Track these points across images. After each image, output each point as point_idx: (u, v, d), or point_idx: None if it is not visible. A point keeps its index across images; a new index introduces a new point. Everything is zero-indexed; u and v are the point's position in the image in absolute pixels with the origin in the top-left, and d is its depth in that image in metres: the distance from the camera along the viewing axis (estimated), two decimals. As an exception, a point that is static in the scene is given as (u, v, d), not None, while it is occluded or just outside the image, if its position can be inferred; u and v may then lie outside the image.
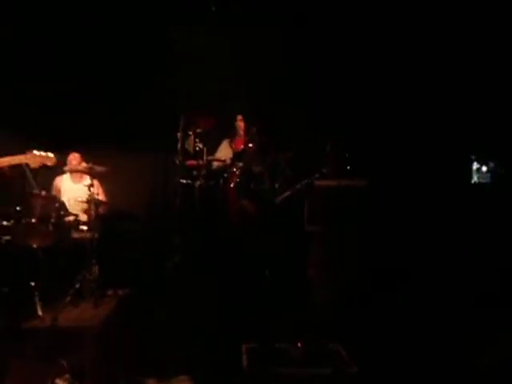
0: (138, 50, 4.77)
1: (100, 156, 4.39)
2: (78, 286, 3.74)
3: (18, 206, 3.77)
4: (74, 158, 4.40)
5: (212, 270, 3.88)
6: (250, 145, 4.28)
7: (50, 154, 2.85)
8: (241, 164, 4.26)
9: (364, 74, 4.73)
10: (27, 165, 2.77)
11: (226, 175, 4.26)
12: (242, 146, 4.34)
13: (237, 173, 4.23)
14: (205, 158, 4.64)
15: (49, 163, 2.83)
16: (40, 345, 2.94)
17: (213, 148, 4.83)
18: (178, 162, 4.73)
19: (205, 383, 2.51)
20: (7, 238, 3.55)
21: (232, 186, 4.29)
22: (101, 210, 4.17)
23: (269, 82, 4.71)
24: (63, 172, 4.40)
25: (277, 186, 4.15)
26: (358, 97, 4.75)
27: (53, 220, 3.71)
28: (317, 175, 3.81)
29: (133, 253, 4.41)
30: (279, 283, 3.61)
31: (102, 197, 4.35)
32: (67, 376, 2.22)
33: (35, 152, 2.76)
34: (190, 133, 4.73)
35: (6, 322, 2.84)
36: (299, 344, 2.66)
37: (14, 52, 4.50)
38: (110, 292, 4.09)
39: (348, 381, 2.38)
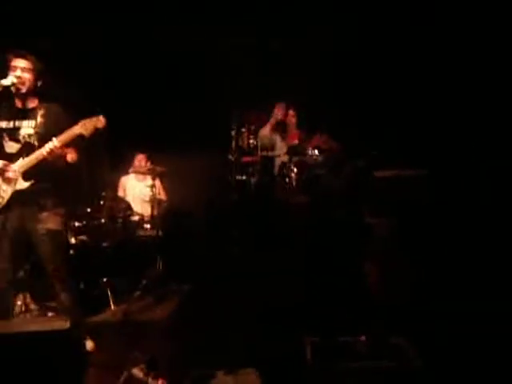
0: (192, 50, 4.86)
1: (161, 156, 4.61)
2: (144, 281, 3.95)
3: (88, 207, 4.07)
4: (139, 159, 4.63)
5: (271, 263, 3.93)
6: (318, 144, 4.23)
7: (100, 116, 2.62)
8: (296, 158, 4.27)
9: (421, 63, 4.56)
10: (82, 136, 2.57)
11: (284, 171, 4.29)
12: (297, 140, 4.36)
13: (291, 167, 4.26)
14: (259, 153, 4.71)
15: (100, 125, 2.60)
16: (113, 337, 3.16)
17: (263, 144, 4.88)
18: (232, 159, 4.83)
19: (269, 376, 2.57)
20: (82, 237, 3.82)
21: (288, 180, 4.33)
22: (162, 208, 4.38)
23: (320, 77, 4.67)
24: (128, 172, 4.65)
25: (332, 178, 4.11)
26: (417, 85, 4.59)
27: (120, 220, 3.95)
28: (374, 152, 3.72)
29: (194, 248, 4.59)
30: (339, 276, 3.59)
31: (163, 196, 4.56)
32: (142, 366, 2.37)
33: (84, 120, 2.59)
34: (244, 129, 4.82)
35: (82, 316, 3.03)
36: (363, 338, 2.65)
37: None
38: (174, 287, 4.29)
39: (413, 374, 2.34)
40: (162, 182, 4.63)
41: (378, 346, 2.57)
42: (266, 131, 4.59)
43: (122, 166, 4.99)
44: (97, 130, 2.62)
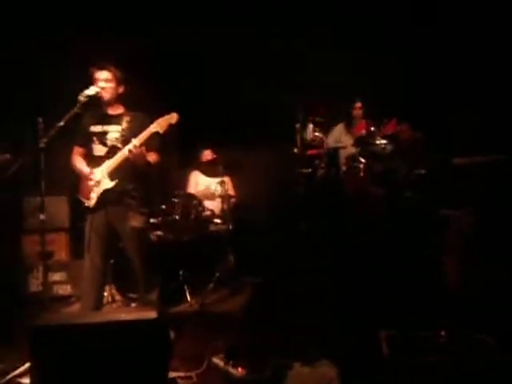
0: (257, 43, 4.88)
1: (227, 151, 4.72)
2: (217, 274, 4.09)
3: (162, 204, 4.28)
4: (207, 155, 4.78)
5: (341, 255, 3.90)
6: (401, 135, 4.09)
7: (173, 113, 2.77)
8: (363, 148, 4.18)
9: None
10: (158, 133, 2.73)
11: (352, 162, 4.21)
12: (364, 131, 4.25)
13: (360, 158, 4.17)
14: (325, 146, 4.66)
15: (173, 121, 2.75)
16: (192, 327, 3.31)
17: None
18: (297, 152, 4.83)
19: (345, 368, 2.57)
20: (158, 233, 4.04)
21: (356, 171, 4.25)
22: (232, 203, 4.50)
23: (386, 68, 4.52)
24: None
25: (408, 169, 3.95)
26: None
27: (192, 216, 4.11)
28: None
29: (263, 242, 4.67)
30: (413, 269, 3.49)
31: (231, 191, 4.67)
32: (222, 355, 2.47)
33: (158, 119, 2.75)
34: (308, 122, 4.79)
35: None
36: (443, 332, 2.56)
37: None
38: (245, 280, 4.40)
39: (496, 371, 2.23)
40: (231, 177, 4.74)
41: (459, 342, 2.48)
42: (341, 128, 4.54)
43: (191, 162, 5.18)
44: (171, 125, 2.78)
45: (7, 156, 3.46)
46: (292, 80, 4.94)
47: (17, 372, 2.47)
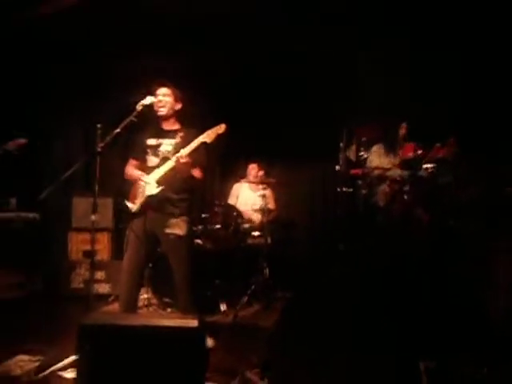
0: (305, 61, 4.93)
1: (271, 166, 4.77)
2: (252, 287, 4.11)
3: (202, 213, 4.36)
4: (252, 168, 4.85)
5: (381, 278, 3.82)
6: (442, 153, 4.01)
7: (221, 124, 2.86)
8: (409, 171, 4.10)
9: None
10: (206, 144, 2.83)
11: (399, 186, 4.14)
12: (411, 153, 4.18)
13: (405, 181, 4.09)
14: (368, 166, 4.60)
15: (221, 131, 2.85)
16: (224, 337, 3.32)
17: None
18: (339, 170, 4.80)
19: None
20: (197, 241, 4.11)
21: (401, 194, 4.17)
22: (271, 217, 4.53)
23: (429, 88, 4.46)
24: (240, 180, 4.89)
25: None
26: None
27: (232, 227, 4.17)
28: None
29: (300, 258, 4.66)
30: (458, 296, 3.37)
31: (272, 205, 4.71)
32: (257, 370, 2.46)
33: (208, 131, 2.85)
34: (353, 141, 4.76)
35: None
36: (485, 369, 2.45)
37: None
38: (279, 294, 4.40)
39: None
40: (272, 191, 4.78)
41: (500, 380, 2.37)
42: (380, 149, 4.49)
43: (232, 174, 5.27)
44: (218, 136, 2.87)
45: (22, 140, 3.58)
46: (338, 97, 4.94)
47: (59, 365, 2.56)
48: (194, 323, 2.05)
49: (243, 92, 5.22)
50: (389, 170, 4.51)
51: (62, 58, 4.75)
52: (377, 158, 4.53)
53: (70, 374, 2.49)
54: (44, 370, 2.51)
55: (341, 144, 4.81)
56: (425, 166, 4.05)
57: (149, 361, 2.02)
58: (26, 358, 2.52)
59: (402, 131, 4.57)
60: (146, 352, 2.03)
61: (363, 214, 4.58)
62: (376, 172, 4.60)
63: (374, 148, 4.59)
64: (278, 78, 5.03)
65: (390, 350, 2.93)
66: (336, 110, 4.95)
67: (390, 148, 4.55)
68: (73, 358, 2.55)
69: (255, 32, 4.38)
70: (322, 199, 5.54)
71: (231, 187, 5.04)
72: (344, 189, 4.79)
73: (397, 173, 4.27)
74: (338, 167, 4.87)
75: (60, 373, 2.53)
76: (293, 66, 4.90)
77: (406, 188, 4.09)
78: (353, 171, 4.72)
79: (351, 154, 4.83)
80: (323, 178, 5.52)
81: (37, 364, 2.49)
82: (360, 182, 4.59)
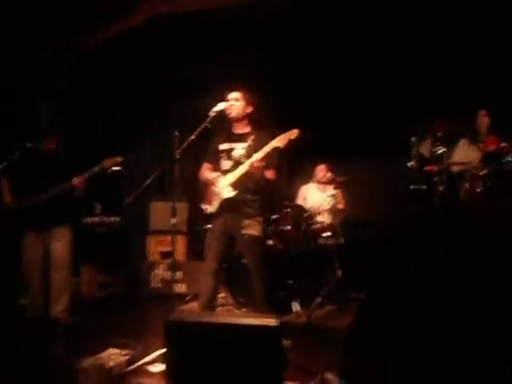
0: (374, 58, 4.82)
1: (340, 166, 4.70)
2: (326, 288, 4.07)
3: (272, 214, 4.40)
4: (320, 170, 4.83)
5: (463, 281, 3.61)
6: None
7: (294, 129, 2.87)
8: (492, 165, 3.83)
9: None
10: (279, 148, 2.86)
11: (478, 181, 3.89)
12: (495, 146, 3.90)
13: (488, 178, 3.83)
14: (445, 162, 4.38)
15: (293, 137, 2.86)
16: (298, 338, 3.33)
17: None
18: (412, 166, 4.60)
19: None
20: (269, 242, 4.16)
21: (479, 190, 3.91)
22: (341, 217, 4.46)
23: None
24: (308, 181, 4.89)
25: None
26: None
27: (303, 228, 4.16)
28: None
29: (373, 258, 4.53)
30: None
31: (342, 205, 4.64)
32: (335, 372, 2.45)
33: (280, 136, 2.87)
34: (427, 136, 4.55)
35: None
36: None
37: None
38: (352, 295, 4.32)
39: None
40: (342, 191, 4.71)
41: None
42: (465, 144, 4.26)
43: (298, 175, 5.26)
44: (290, 141, 2.89)
45: (119, 158, 3.52)
46: (410, 90, 4.77)
47: (147, 359, 2.73)
48: (273, 322, 2.08)
49: (309, 93, 5.21)
50: (469, 164, 4.26)
51: (135, 72, 5.07)
52: (463, 152, 4.31)
53: (156, 368, 2.64)
54: (133, 363, 2.69)
55: (412, 139, 4.61)
56: (507, 159, 3.76)
57: (230, 357, 2.10)
58: (116, 351, 2.69)
59: (485, 119, 4.28)
60: (228, 349, 2.10)
61: (441, 212, 4.36)
62: (455, 168, 4.37)
63: (459, 144, 4.37)
64: (342, 75, 4.98)
65: (475, 353, 2.76)
66: (407, 106, 4.78)
67: (474, 141, 4.30)
68: (158, 352, 2.70)
69: (325, 32, 4.37)
70: (395, 198, 5.35)
71: (298, 189, 5.03)
72: (418, 186, 4.59)
73: (478, 167, 4.02)
74: (410, 164, 4.68)
75: (147, 367, 2.69)
76: (363, 65, 4.84)
77: (489, 184, 3.83)
78: (427, 168, 4.51)
79: (424, 150, 4.62)
80: (395, 176, 5.33)
81: (126, 357, 2.65)
82: (436, 178, 4.37)
